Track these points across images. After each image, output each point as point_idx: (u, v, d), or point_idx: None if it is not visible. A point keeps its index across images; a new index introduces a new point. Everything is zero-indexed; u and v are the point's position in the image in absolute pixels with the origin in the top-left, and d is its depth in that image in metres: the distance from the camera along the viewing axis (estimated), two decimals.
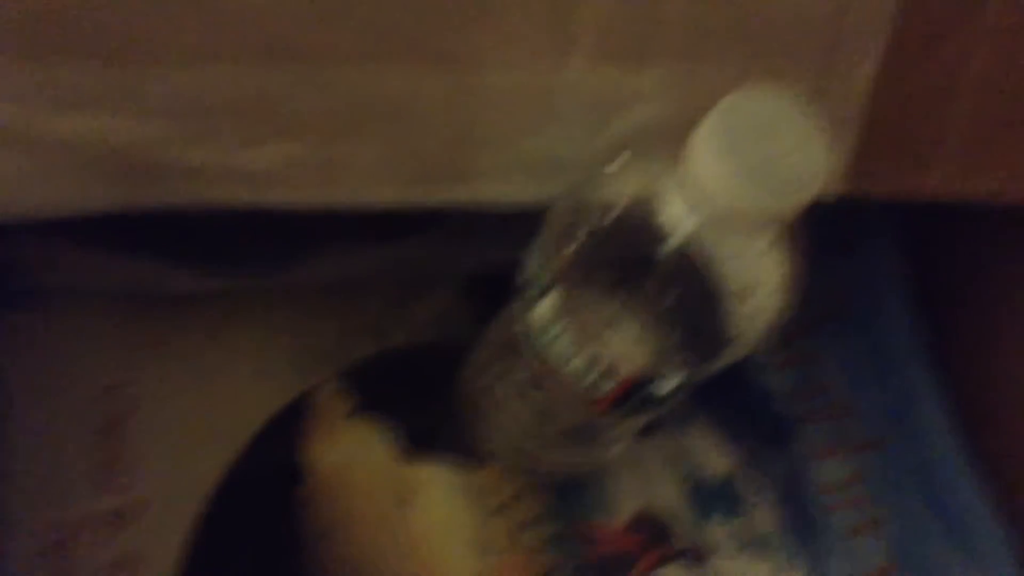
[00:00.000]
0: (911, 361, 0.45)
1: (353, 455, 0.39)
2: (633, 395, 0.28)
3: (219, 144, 0.27)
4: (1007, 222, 0.42)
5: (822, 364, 0.45)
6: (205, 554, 0.36)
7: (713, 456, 0.42)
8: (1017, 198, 0.35)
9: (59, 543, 0.35)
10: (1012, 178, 0.34)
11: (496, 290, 0.33)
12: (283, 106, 0.27)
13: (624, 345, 0.26)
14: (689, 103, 0.28)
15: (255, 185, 0.28)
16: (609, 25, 0.27)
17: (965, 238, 0.46)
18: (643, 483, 0.41)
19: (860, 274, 0.46)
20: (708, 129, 0.20)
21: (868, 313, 0.45)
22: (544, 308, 0.27)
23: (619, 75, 0.28)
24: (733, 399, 0.43)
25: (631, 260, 0.25)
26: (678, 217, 0.22)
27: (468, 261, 0.37)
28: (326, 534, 0.37)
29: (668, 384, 0.27)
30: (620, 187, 0.25)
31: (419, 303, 0.41)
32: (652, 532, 0.40)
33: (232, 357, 0.39)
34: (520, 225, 0.29)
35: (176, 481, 0.37)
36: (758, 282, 0.24)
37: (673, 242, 0.23)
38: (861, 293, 0.45)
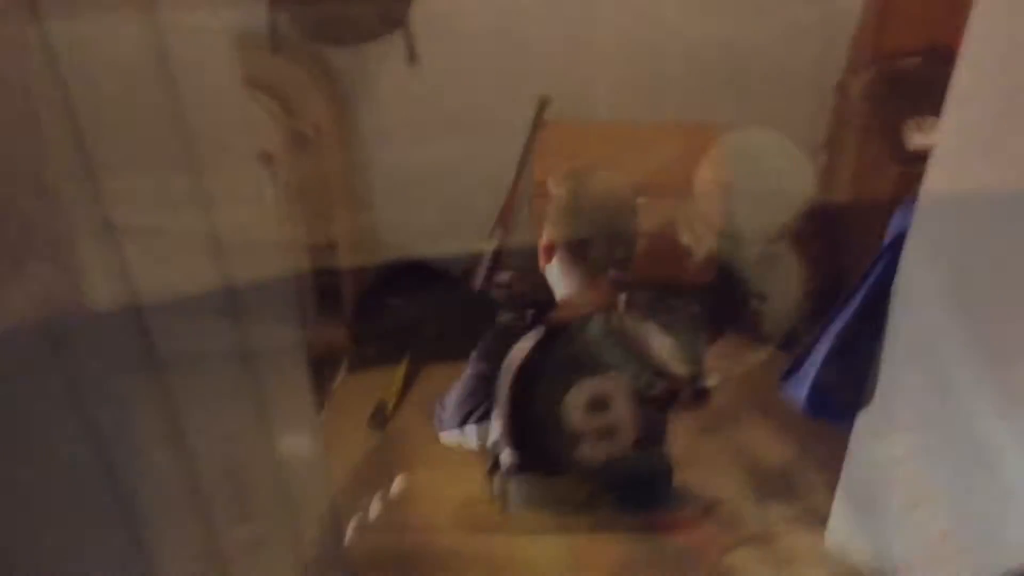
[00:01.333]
0: None
1: None
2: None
3: None
4: None
5: None
6: None
7: (772, 447, 0.45)
8: None
9: None
10: None
11: None
12: None
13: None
14: None
15: None
16: None
17: None
18: (709, 475, 0.44)
19: None
20: (711, 162, 0.24)
21: None
22: None
23: None
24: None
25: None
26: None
27: None
28: None
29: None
30: None
31: None
32: (720, 519, 0.43)
33: None
34: None
35: None
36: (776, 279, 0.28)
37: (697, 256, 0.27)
38: None
